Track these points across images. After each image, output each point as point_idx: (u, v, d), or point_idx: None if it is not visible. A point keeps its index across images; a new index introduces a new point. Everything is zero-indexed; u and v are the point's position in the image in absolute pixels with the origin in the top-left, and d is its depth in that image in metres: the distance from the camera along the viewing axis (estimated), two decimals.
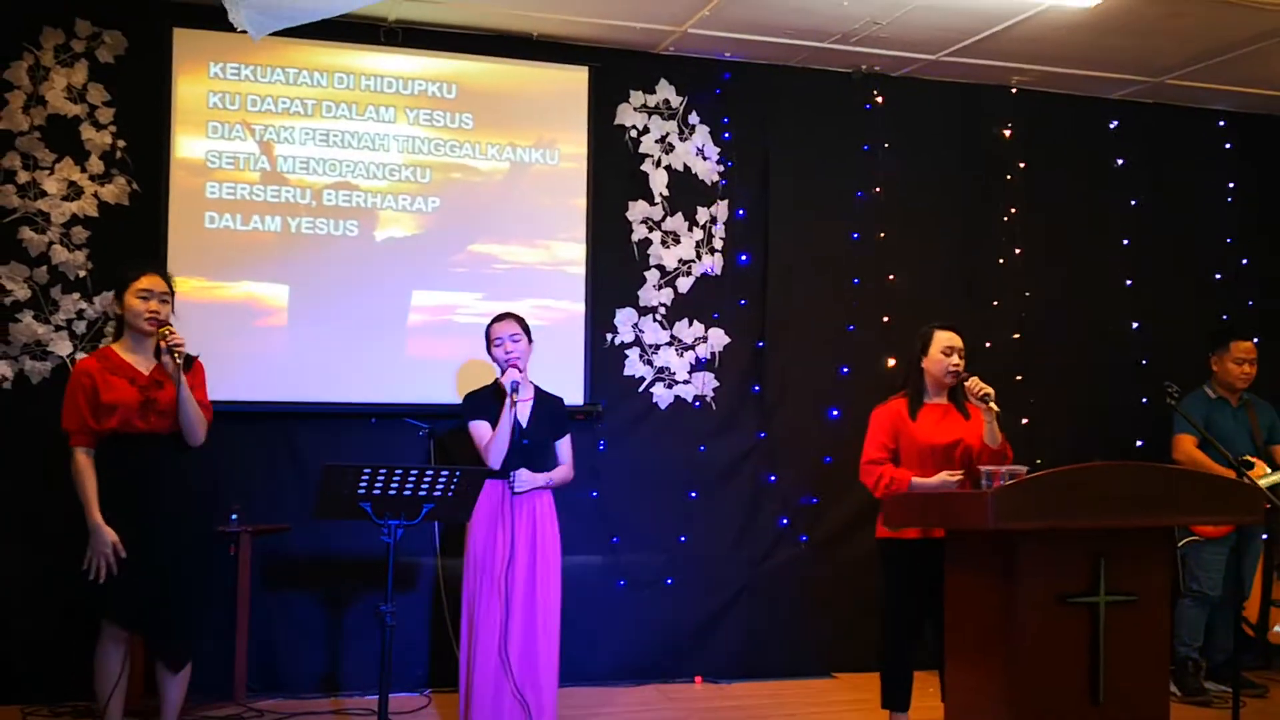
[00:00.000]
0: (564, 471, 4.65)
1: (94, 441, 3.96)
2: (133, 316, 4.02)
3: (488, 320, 5.22)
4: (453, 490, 3.89)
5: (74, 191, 5.18)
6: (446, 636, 5.48)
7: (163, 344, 3.96)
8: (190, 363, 4.08)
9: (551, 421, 4.61)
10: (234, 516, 5.13)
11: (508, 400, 4.41)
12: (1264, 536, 5.86)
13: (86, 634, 4.42)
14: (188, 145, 5.27)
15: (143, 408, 3.96)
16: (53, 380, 5.11)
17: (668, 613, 5.82)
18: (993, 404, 4.35)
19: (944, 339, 4.55)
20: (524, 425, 4.48)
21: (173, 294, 4.13)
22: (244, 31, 4.09)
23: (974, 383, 4.42)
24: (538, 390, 4.62)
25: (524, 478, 4.45)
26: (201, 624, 4.24)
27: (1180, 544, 5.61)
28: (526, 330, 4.62)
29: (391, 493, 3.81)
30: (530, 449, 4.48)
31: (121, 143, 5.23)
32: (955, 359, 4.52)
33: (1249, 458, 5.45)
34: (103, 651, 4.02)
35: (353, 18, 5.31)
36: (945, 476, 4.37)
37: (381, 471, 3.75)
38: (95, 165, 5.21)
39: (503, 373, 4.58)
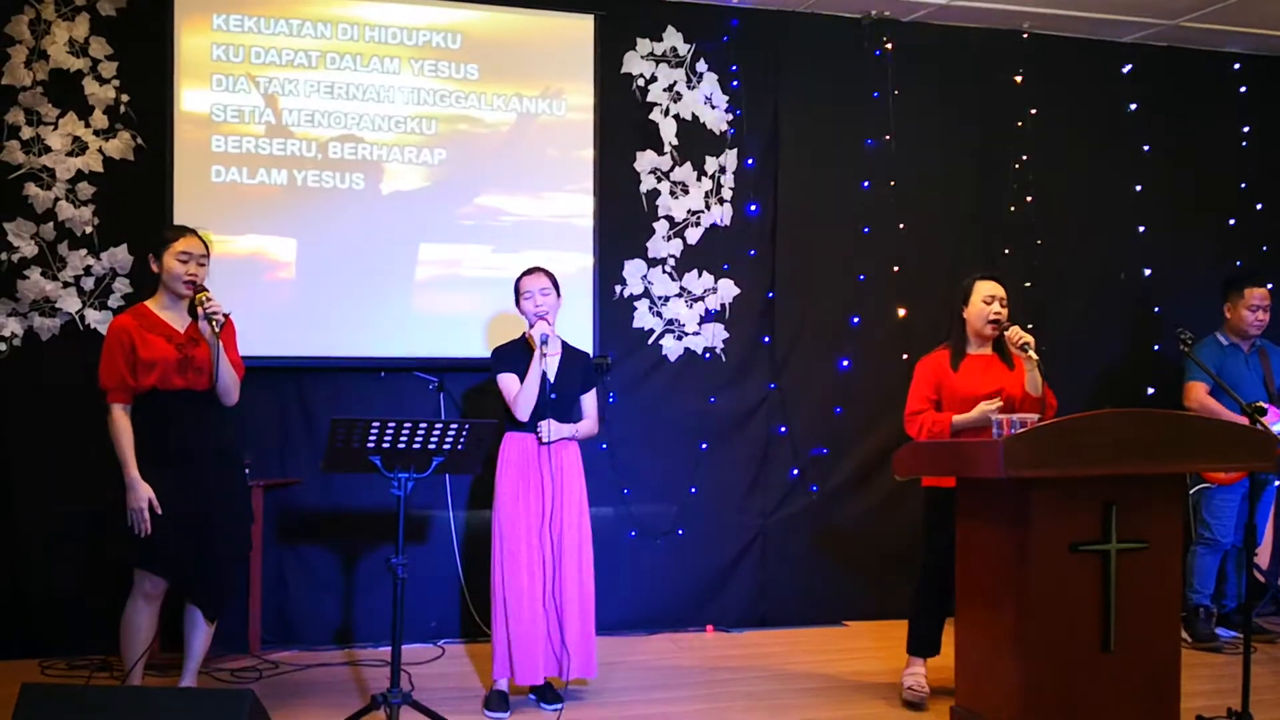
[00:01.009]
0: (589, 425, 4.65)
1: (131, 398, 4.00)
2: (171, 279, 4.05)
3: (496, 273, 5.21)
4: (462, 443, 3.90)
5: (79, 147, 5.16)
6: (460, 588, 5.51)
7: (200, 310, 3.97)
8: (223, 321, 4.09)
9: (578, 375, 4.61)
10: (246, 471, 5.13)
11: (536, 353, 4.41)
12: (1277, 483, 5.86)
13: (104, 588, 4.46)
14: (192, 98, 5.23)
15: (180, 365, 4.00)
16: (62, 337, 5.12)
17: (679, 563, 5.84)
18: (1032, 353, 4.33)
19: (985, 288, 4.52)
20: (551, 379, 4.47)
21: (209, 254, 4.16)
22: None
23: (1014, 331, 4.40)
24: (565, 345, 4.60)
25: (551, 428, 4.45)
26: (240, 573, 4.33)
27: (1192, 491, 5.61)
28: (555, 284, 4.59)
29: (400, 446, 3.82)
30: (558, 402, 4.48)
31: (125, 97, 5.20)
32: (996, 307, 4.48)
33: (1261, 404, 5.43)
34: (134, 608, 4.06)
35: None
36: (984, 406, 4.35)
37: (390, 425, 3.76)
38: (99, 120, 5.18)
39: (531, 326, 4.57)
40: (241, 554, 4.27)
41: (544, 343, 4.41)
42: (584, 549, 4.56)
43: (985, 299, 4.51)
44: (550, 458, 4.48)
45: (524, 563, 4.42)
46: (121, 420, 3.98)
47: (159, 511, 3.92)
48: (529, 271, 4.60)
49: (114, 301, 5.15)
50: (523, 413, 4.43)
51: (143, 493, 3.92)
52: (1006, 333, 4.43)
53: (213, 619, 4.17)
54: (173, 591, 4.12)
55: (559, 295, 4.59)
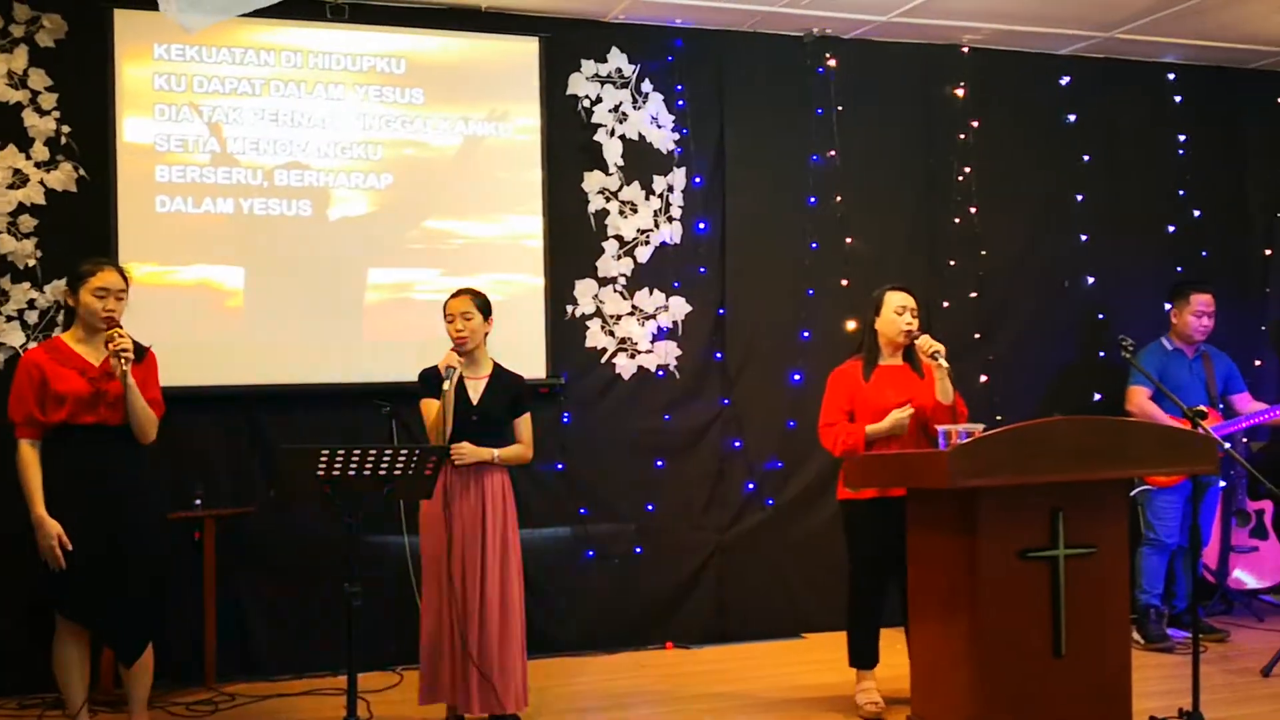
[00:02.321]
0: (518, 450, 4.52)
1: (40, 433, 3.90)
2: (88, 314, 3.97)
3: (446, 296, 5.19)
4: (413, 468, 3.88)
5: (19, 179, 5.11)
6: (416, 614, 5.47)
7: (109, 346, 3.88)
8: (142, 354, 4.03)
9: (506, 399, 4.51)
10: (198, 501, 5.11)
11: (445, 386, 4.35)
12: (1221, 484, 5.96)
13: (49, 627, 4.38)
14: (135, 129, 5.20)
15: (92, 399, 3.91)
16: (7, 372, 5.05)
17: (637, 581, 5.85)
18: (942, 360, 4.39)
19: (897, 299, 4.59)
20: (474, 402, 4.44)
21: (128, 287, 4.07)
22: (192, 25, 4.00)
23: (924, 340, 4.47)
24: (496, 366, 4.57)
25: (464, 450, 4.36)
26: (155, 616, 4.15)
27: (1134, 493, 5.67)
28: (482, 306, 4.49)
29: (351, 473, 3.79)
30: (480, 425, 4.41)
31: (66, 128, 5.16)
32: (908, 318, 4.55)
33: (1202, 408, 5.50)
34: (60, 647, 3.99)
35: None
36: (896, 414, 4.43)
37: (340, 452, 3.74)
38: (40, 152, 5.13)
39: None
40: (157, 592, 4.12)
41: (447, 376, 4.33)
42: (508, 576, 4.43)
43: (897, 309, 4.57)
44: (464, 484, 4.40)
45: (438, 592, 4.37)
46: (28, 456, 3.88)
47: (69, 548, 3.83)
48: (455, 294, 4.52)
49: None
50: (435, 442, 4.36)
51: (50, 530, 3.82)
52: (917, 341, 4.50)
53: (128, 664, 4.05)
54: None
55: (487, 318, 4.49)
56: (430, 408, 4.42)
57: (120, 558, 3.93)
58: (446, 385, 4.33)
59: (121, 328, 3.95)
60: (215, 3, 3.93)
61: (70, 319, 4.07)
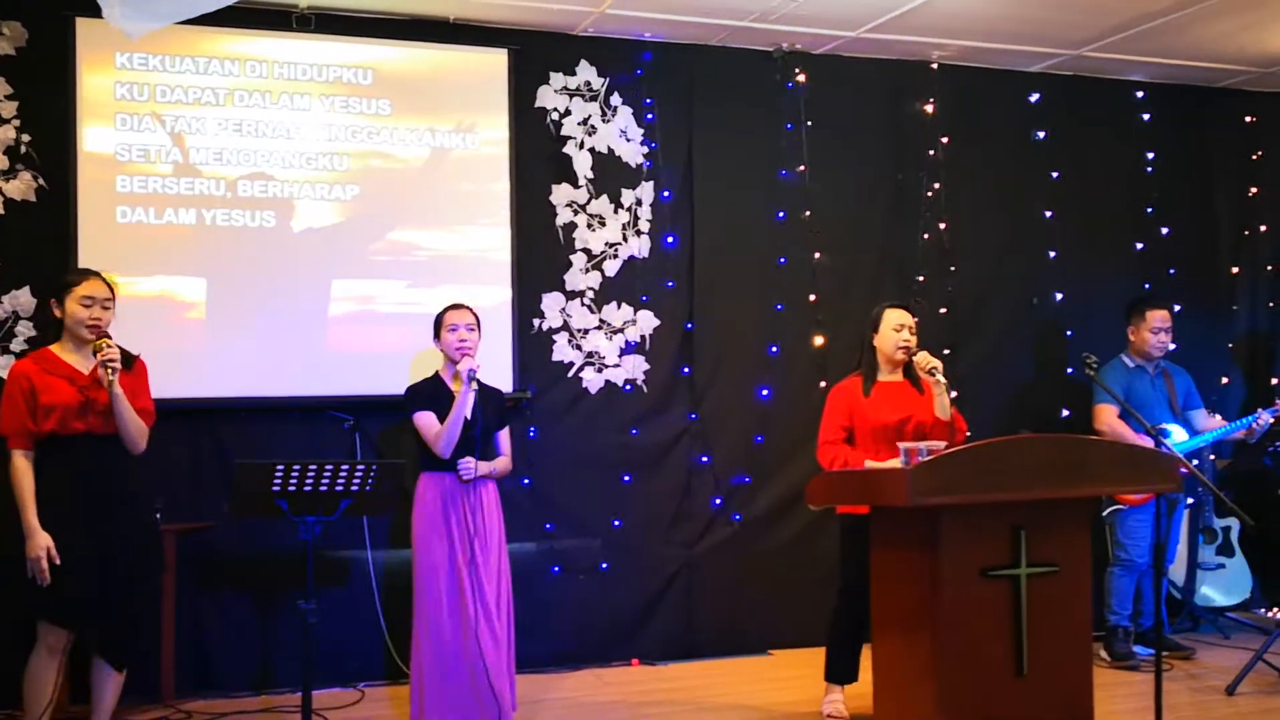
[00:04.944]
0: (505, 462, 4.69)
1: (33, 444, 3.93)
2: (74, 324, 3.99)
3: (411, 309, 5.20)
4: (370, 484, 3.85)
5: None
6: (379, 630, 5.43)
7: (98, 356, 3.91)
8: (131, 363, 4.06)
9: (494, 413, 4.62)
10: (158, 515, 5.03)
11: (465, 389, 4.40)
12: (1188, 501, 5.97)
13: (16, 641, 4.34)
14: (96, 138, 5.14)
15: (81, 408, 3.94)
16: None
17: (603, 597, 5.81)
18: (940, 377, 4.42)
19: (895, 316, 4.64)
20: (469, 416, 4.45)
21: (114, 296, 4.10)
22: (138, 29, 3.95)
23: (922, 357, 4.51)
24: (479, 382, 4.59)
25: (472, 465, 4.44)
26: (149, 622, 4.23)
27: (1105, 513, 5.68)
28: (478, 321, 4.65)
29: (307, 488, 3.76)
30: (477, 439, 4.47)
31: (26, 137, 5.09)
32: (906, 335, 4.60)
33: (1166, 425, 5.52)
34: (37, 662, 3.96)
35: (263, 4, 5.23)
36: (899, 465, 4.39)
37: (295, 467, 3.71)
38: None
39: (454, 360, 4.57)
40: (153, 603, 4.17)
41: (471, 377, 4.39)
42: (505, 587, 4.54)
43: (895, 326, 4.60)
44: (471, 496, 4.45)
45: (446, 604, 4.37)
46: (22, 466, 3.90)
47: (57, 561, 3.83)
48: (454, 306, 4.65)
49: (17, 345, 5.02)
50: (445, 450, 4.40)
51: (40, 541, 3.83)
52: (915, 358, 4.53)
53: (121, 668, 4.07)
54: (78, 643, 4.02)
55: (480, 333, 4.62)
56: (430, 420, 4.42)
57: (117, 565, 3.94)
58: (475, 384, 4.40)
59: (109, 337, 3.98)
60: (160, 8, 3.88)
61: (57, 331, 4.08)
